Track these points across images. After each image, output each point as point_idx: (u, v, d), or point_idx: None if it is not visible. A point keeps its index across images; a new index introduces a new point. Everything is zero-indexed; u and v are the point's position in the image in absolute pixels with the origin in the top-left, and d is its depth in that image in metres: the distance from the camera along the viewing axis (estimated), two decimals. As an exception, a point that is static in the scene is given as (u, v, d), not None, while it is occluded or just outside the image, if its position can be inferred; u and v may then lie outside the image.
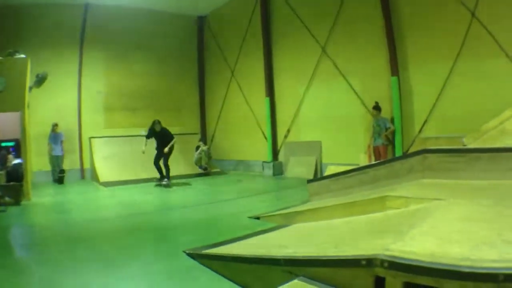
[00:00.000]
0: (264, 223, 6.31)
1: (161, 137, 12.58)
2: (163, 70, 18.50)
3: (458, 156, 4.95)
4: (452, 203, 3.66)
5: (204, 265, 4.06)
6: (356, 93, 12.12)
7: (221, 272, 3.86)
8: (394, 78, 10.92)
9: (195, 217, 8.08)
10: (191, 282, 3.97)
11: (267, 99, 15.27)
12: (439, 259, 2.28)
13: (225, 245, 4.30)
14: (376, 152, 10.65)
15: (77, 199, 11.27)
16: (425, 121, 10.44)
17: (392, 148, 10.93)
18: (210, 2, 17.71)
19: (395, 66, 10.93)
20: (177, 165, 14.73)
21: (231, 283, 3.73)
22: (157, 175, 12.91)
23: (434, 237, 2.72)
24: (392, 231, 3.18)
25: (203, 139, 18.58)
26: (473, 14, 9.14)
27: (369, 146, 10.93)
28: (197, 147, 16.49)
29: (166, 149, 12.23)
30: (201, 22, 19.58)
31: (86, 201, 10.94)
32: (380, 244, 2.66)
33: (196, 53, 19.70)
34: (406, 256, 2.39)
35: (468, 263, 2.18)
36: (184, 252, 4.60)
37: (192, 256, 4.31)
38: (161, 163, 12.57)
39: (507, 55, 8.64)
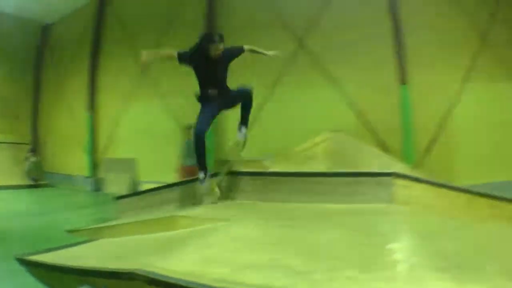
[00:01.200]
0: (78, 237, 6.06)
1: (216, 65, 5.65)
2: (2, 75, 17.69)
3: (255, 179, 5.14)
4: (238, 225, 3.72)
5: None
6: (171, 113, 12.28)
7: (38, 278, 3.85)
8: None
9: (15, 228, 8.39)
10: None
11: (88, 114, 15.17)
12: (196, 279, 2.33)
13: (43, 254, 4.07)
14: (188, 172, 10.23)
15: None
16: None
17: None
18: (55, 11, 17.18)
19: None
20: (4, 175, 14.93)
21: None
22: None
23: (201, 257, 2.81)
24: (168, 249, 3.24)
25: (34, 150, 17.91)
26: (300, 42, 9.54)
27: (181, 166, 10.75)
28: (27, 158, 16.44)
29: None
30: (45, 30, 18.89)
31: None
32: (151, 261, 2.77)
33: (35, 61, 19.01)
34: (164, 273, 2.46)
35: (222, 285, 2.19)
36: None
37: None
38: None
39: (331, 82, 9.18)
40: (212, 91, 5.71)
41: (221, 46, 5.53)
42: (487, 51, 10.01)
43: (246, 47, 5.92)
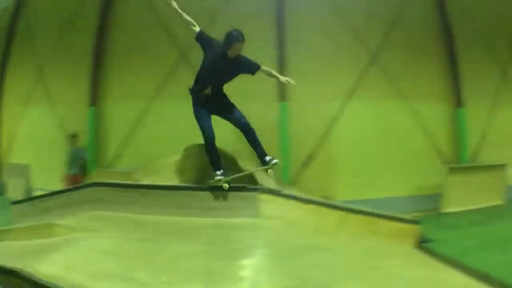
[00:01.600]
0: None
1: (227, 67, 5.46)
2: None
3: (125, 191, 5.16)
4: (102, 236, 3.86)
5: None
6: (60, 120, 11.89)
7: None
8: (92, 109, 10.92)
9: None
10: None
11: None
12: (58, 282, 2.72)
13: None
14: (72, 180, 10.20)
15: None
16: (119, 154, 10.71)
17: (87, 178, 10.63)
18: None
19: (94, 98, 10.93)
20: None
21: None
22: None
23: (65, 263, 3.08)
24: (44, 254, 3.46)
25: None
26: (182, 54, 9.79)
27: (66, 174, 10.60)
28: None
29: None
30: None
31: None
32: (30, 263, 3.09)
33: None
34: (37, 274, 2.85)
35: None
36: None
37: None
38: None
39: None
40: (208, 90, 5.56)
41: (241, 48, 5.37)
42: (376, 68, 10.41)
43: (263, 67, 5.70)
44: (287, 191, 5.40)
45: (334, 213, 4.95)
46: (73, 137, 10.36)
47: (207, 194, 4.89)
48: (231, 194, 4.83)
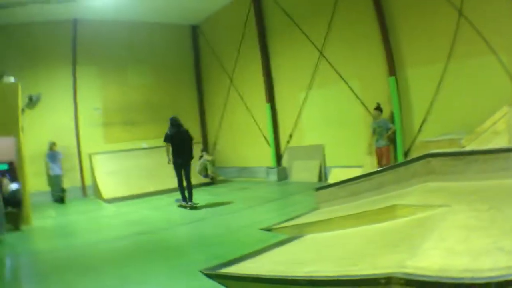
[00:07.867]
0: (276, 235, 5.63)
1: (181, 140, 10.58)
2: (160, 81, 18.50)
3: (458, 159, 4.69)
4: (455, 211, 3.53)
5: (223, 285, 3.72)
6: (355, 95, 12.25)
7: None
8: (392, 79, 10.96)
9: (205, 232, 8.17)
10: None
11: (268, 105, 15.43)
12: (446, 273, 2.30)
13: (242, 262, 3.82)
14: (379, 153, 10.45)
15: (80, 220, 11.12)
16: (424, 121, 10.60)
17: (394, 149, 10.94)
18: (202, 11, 17.80)
19: (392, 67, 10.97)
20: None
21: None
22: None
23: (442, 249, 2.68)
24: (405, 244, 3.12)
25: (206, 148, 18.58)
26: (460, 13, 9.38)
27: (370, 145, 10.85)
28: (200, 157, 16.34)
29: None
30: (195, 31, 19.51)
31: (90, 221, 10.80)
32: (396, 260, 2.63)
33: (192, 62, 19.64)
34: (419, 272, 2.36)
35: (469, 275, 2.20)
36: (201, 271, 3.90)
37: (209, 276, 3.76)
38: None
39: (495, 54, 8.89)
40: (179, 159, 10.51)
41: (176, 122, 10.65)
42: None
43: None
44: None
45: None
46: (378, 109, 10.54)
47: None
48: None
